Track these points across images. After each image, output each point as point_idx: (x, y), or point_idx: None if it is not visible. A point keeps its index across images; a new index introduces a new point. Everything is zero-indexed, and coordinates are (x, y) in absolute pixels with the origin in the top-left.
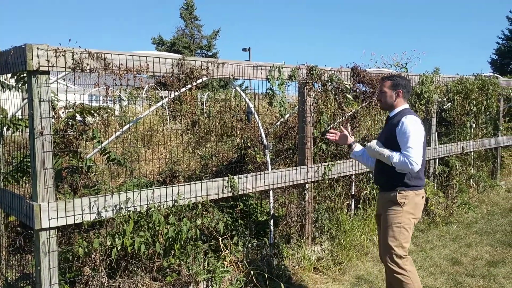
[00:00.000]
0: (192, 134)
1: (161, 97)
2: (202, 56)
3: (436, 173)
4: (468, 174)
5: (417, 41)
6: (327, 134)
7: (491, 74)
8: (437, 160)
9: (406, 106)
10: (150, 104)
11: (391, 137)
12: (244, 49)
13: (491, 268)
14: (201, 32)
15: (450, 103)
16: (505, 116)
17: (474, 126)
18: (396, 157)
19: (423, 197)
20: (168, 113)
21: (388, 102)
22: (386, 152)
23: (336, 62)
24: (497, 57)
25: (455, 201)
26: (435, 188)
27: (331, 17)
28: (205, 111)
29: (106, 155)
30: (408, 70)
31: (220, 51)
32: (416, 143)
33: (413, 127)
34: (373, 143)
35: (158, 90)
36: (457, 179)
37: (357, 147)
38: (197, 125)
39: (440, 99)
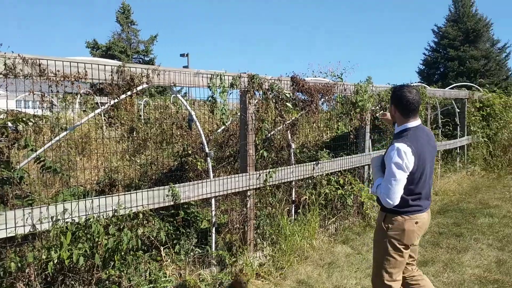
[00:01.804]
0: (129, 141)
1: (96, 103)
2: (139, 61)
3: (370, 178)
4: None
5: (351, 52)
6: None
7: (420, 83)
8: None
9: (413, 124)
10: (84, 110)
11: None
12: (182, 55)
13: (422, 268)
14: (138, 37)
15: (382, 111)
16: (432, 123)
17: None
18: (374, 187)
19: (417, 222)
20: (105, 119)
21: (392, 118)
22: (376, 176)
23: (276, 70)
24: (424, 67)
25: None
26: (370, 192)
27: (270, 25)
28: (142, 117)
29: (41, 164)
30: (343, 80)
31: (158, 56)
32: (393, 178)
33: (395, 159)
34: (374, 160)
35: (93, 96)
36: None
37: None
38: (134, 132)
39: (373, 108)
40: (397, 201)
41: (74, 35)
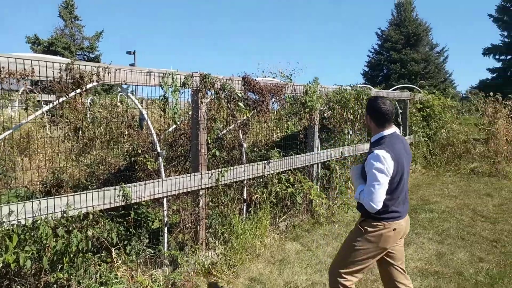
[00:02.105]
0: (75, 140)
1: (38, 101)
2: (84, 58)
3: (319, 176)
4: (346, 177)
5: (299, 54)
6: None
7: (365, 85)
8: (319, 164)
9: (388, 132)
10: (26, 109)
11: (365, 168)
12: (129, 52)
13: None
14: (82, 33)
15: (330, 112)
16: None
17: (351, 132)
18: (357, 193)
19: (395, 229)
20: (48, 118)
21: (367, 126)
22: (356, 183)
23: (227, 70)
24: (368, 69)
25: (336, 202)
26: (319, 190)
27: (220, 23)
28: (88, 116)
29: None
30: (293, 80)
31: (104, 53)
32: (376, 183)
33: (376, 165)
34: (353, 170)
35: (36, 94)
36: (337, 182)
37: None
38: (80, 131)
39: (321, 108)
40: (380, 205)
41: (12, 29)
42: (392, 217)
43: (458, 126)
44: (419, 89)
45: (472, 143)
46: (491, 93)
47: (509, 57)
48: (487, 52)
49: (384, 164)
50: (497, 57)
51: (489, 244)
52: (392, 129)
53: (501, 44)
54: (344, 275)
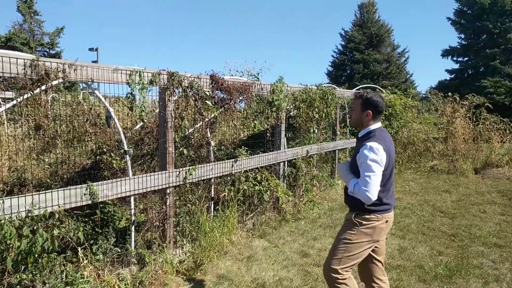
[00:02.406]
0: (36, 139)
1: None
2: (44, 55)
3: (286, 174)
4: (312, 175)
5: (266, 54)
6: None
7: (329, 84)
8: (286, 162)
9: (376, 126)
10: None
11: (354, 160)
12: (91, 49)
13: None
14: (42, 29)
15: (296, 111)
16: (341, 122)
17: (316, 131)
18: (352, 186)
19: (387, 221)
20: (7, 116)
21: (356, 120)
22: (348, 178)
23: (193, 68)
24: (332, 69)
25: (302, 199)
26: (285, 188)
27: (187, 20)
28: (50, 114)
29: None
30: (260, 79)
31: (65, 50)
32: (372, 174)
33: (370, 156)
34: (341, 166)
35: None
36: (303, 179)
37: None
38: (42, 130)
39: (288, 107)
40: (376, 195)
41: None
42: (384, 209)
43: (418, 125)
44: (382, 89)
45: (432, 142)
46: (450, 94)
47: (466, 58)
48: (445, 53)
49: (378, 155)
50: (455, 58)
51: (448, 238)
52: (380, 123)
53: (458, 46)
54: (341, 271)
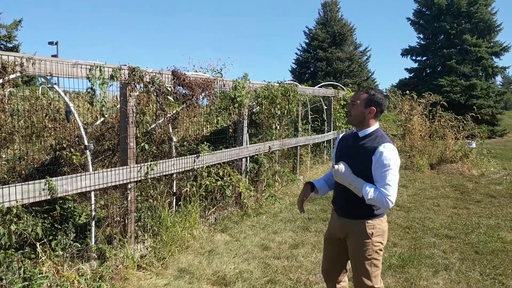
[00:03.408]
0: None
1: None
2: (1, 48)
3: (248, 170)
4: (274, 170)
5: (231, 51)
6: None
7: (292, 81)
8: (248, 158)
9: (377, 126)
10: None
11: (362, 162)
12: (51, 43)
13: (293, 250)
14: None
15: (259, 107)
16: (302, 119)
17: (278, 127)
18: (371, 193)
19: (388, 222)
20: None
21: (357, 117)
22: (359, 183)
23: (158, 65)
24: (296, 66)
25: (264, 194)
26: (247, 183)
27: (150, 16)
28: (7, 108)
29: None
30: (223, 75)
31: (23, 43)
32: (394, 179)
33: (393, 160)
34: (344, 170)
35: None
36: (265, 175)
37: (319, 188)
38: None
39: (250, 103)
40: (395, 200)
41: None
42: (384, 211)
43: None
44: (343, 87)
45: (391, 138)
46: (407, 92)
47: (424, 58)
48: (405, 53)
49: (397, 157)
50: (414, 58)
51: (403, 230)
52: (378, 124)
53: (417, 46)
54: (376, 285)
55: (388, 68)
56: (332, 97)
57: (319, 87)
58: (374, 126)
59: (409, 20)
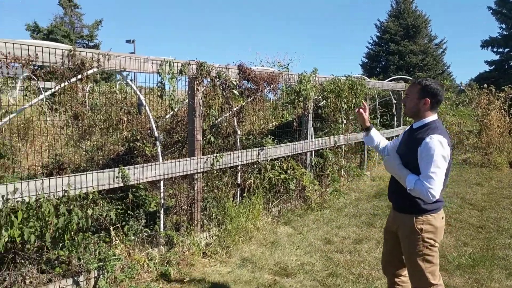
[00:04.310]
0: (74, 127)
1: (38, 88)
2: (83, 47)
3: (312, 164)
4: (339, 165)
5: (298, 44)
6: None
7: (360, 75)
8: (313, 152)
9: (434, 117)
10: (26, 95)
11: (411, 154)
12: (128, 41)
13: (357, 245)
14: (81, 21)
15: (324, 101)
16: (370, 113)
17: (345, 122)
18: (412, 183)
19: (443, 218)
20: (47, 105)
21: (411, 109)
22: (404, 173)
23: (224, 59)
24: (367, 60)
25: (328, 188)
26: (312, 177)
27: (219, 11)
28: (87, 103)
29: None
30: (290, 70)
31: (103, 42)
32: (438, 170)
33: (437, 151)
34: (393, 159)
35: (36, 80)
36: (330, 169)
37: (372, 135)
38: (80, 118)
39: (316, 97)
40: (439, 193)
41: (10, 16)
42: (439, 206)
43: (451, 117)
44: None
45: (465, 134)
46: (485, 85)
47: (507, 49)
48: (485, 44)
49: (444, 149)
50: (495, 49)
51: (475, 230)
52: (437, 115)
53: (499, 37)
54: (438, 282)
55: (466, 61)
56: (402, 91)
57: (388, 80)
58: (431, 117)
59: (490, 9)
